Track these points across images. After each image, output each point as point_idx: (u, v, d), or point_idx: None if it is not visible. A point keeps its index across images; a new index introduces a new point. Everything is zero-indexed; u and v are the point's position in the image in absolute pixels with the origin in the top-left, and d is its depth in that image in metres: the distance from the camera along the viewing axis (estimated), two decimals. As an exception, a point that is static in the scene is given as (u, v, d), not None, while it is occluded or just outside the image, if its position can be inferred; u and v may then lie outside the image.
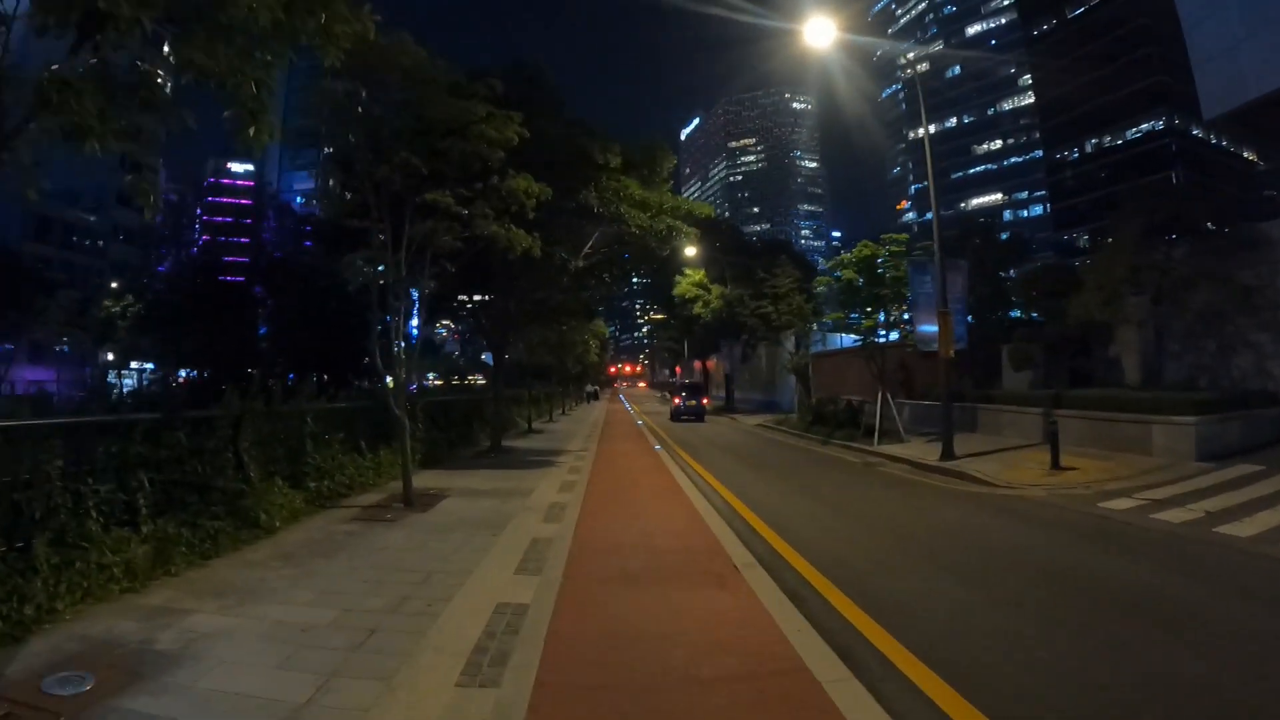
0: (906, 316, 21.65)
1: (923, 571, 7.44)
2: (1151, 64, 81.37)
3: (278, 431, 10.70)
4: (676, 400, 38.69)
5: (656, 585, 6.58)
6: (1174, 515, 9.94)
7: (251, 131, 4.97)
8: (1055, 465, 14.69)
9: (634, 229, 15.32)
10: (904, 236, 21.83)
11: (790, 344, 40.10)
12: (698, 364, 64.63)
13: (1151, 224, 19.88)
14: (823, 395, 30.10)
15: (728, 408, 45.19)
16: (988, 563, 7.80)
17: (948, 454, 16.87)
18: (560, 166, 14.01)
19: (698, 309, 43.77)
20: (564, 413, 41.91)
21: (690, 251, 44.96)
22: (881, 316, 21.57)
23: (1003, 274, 26.22)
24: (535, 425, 28.98)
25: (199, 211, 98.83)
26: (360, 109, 9.23)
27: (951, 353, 17.59)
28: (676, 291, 45.57)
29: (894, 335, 23.11)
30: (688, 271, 45.93)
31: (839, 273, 22.15)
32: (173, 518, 7.61)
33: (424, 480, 13.20)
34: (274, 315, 28.89)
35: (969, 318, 22.02)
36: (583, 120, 15.74)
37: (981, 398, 22.58)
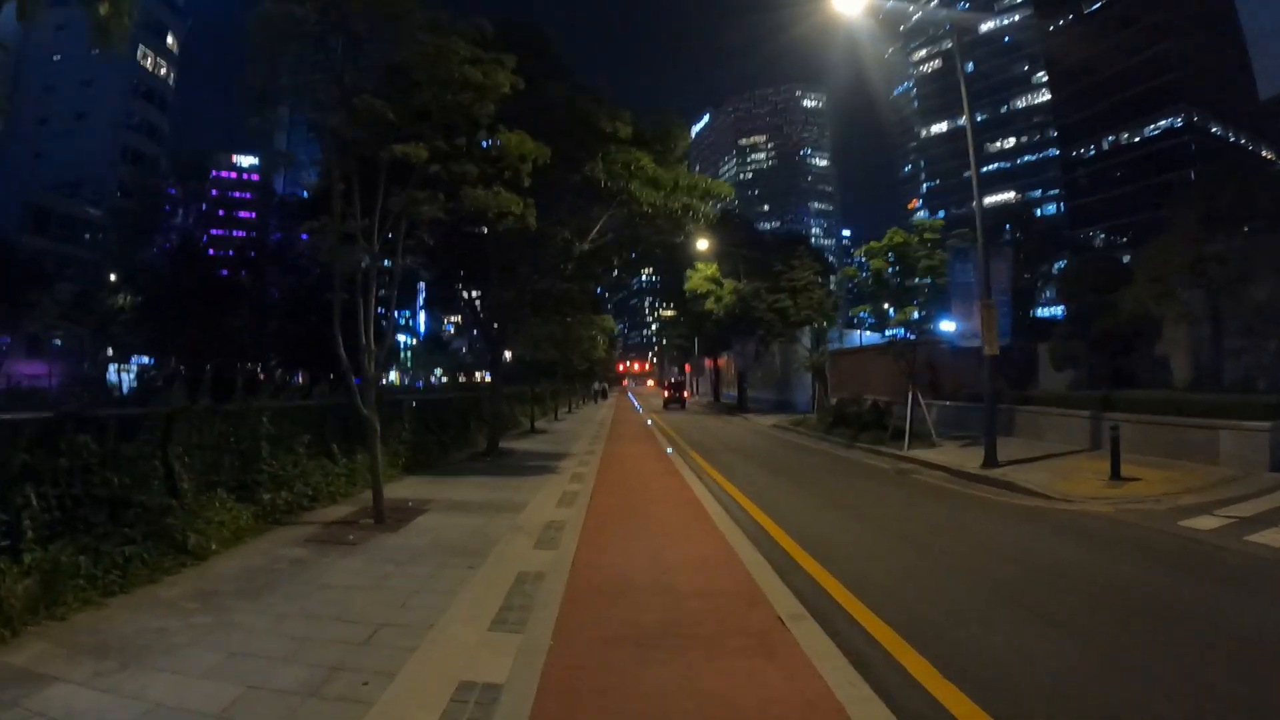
0: (944, 312, 19.96)
1: (1009, 620, 5.77)
2: (1170, 60, 79.84)
3: (225, 434, 9.09)
4: (667, 393, 58.22)
5: (679, 652, 4.87)
6: (1273, 538, 8.26)
7: (103, 10, 3.56)
8: (1115, 475, 13.03)
9: (645, 208, 13.64)
10: (939, 222, 20.10)
11: (806, 341, 38.47)
12: (709, 362, 62.98)
13: (1210, 211, 18.18)
14: (841, 395, 28.43)
15: (740, 407, 43.43)
16: (1082, 604, 6.14)
17: (990, 461, 15.17)
18: (562, 135, 12.33)
19: (709, 304, 42.03)
20: (570, 411, 40.23)
21: (702, 245, 43.45)
22: (917, 314, 19.81)
23: (1036, 268, 24.59)
24: (538, 425, 27.36)
25: (203, 205, 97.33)
26: (312, 42, 7.57)
27: (996, 349, 15.89)
28: (688, 286, 43.81)
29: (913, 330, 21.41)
30: (699, 266, 44.23)
31: (866, 262, 20.43)
32: (71, 543, 6.02)
33: (404, 489, 11.59)
34: (265, 306, 27.26)
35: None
36: (589, 85, 14.07)
37: (1018, 399, 20.88)
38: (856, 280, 21.22)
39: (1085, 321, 20.51)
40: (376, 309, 9.01)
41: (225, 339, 22.39)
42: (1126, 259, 24.54)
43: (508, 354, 29.93)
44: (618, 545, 8.10)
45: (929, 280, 19.26)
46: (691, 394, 71.89)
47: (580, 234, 14.09)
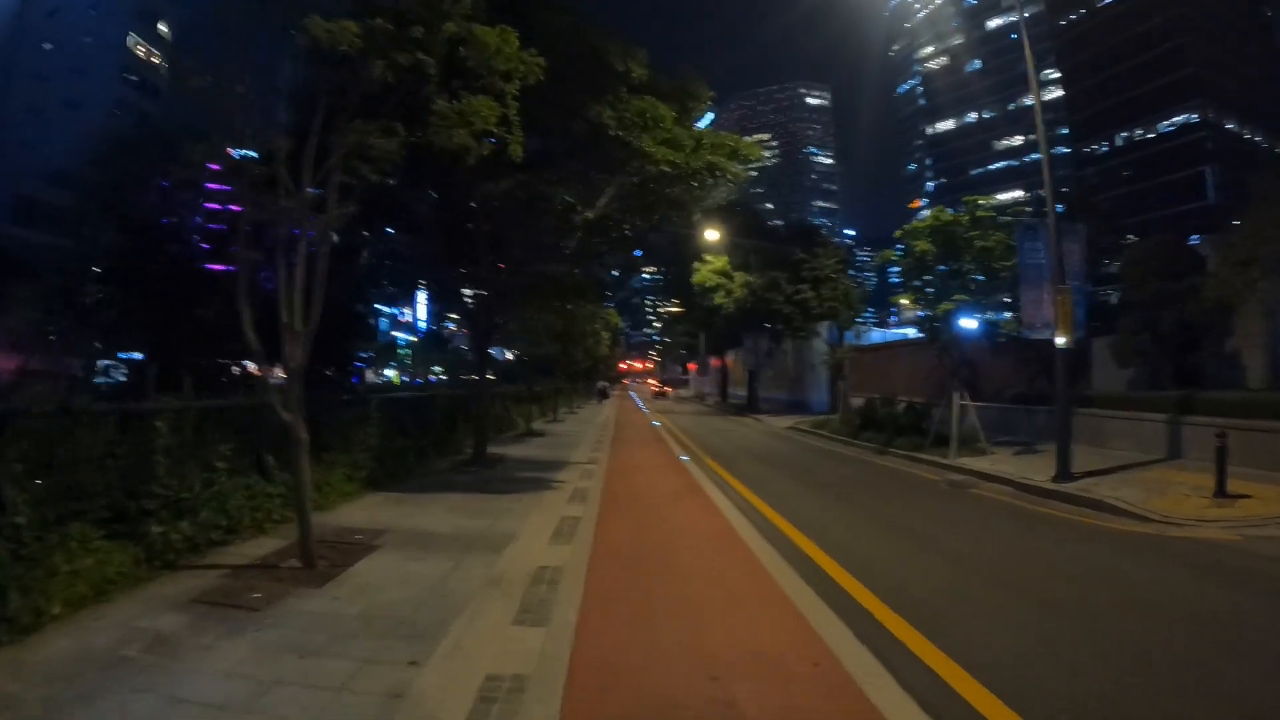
0: (987, 301, 17.56)
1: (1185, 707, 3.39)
2: (1186, 55, 77.88)
3: (104, 446, 6.70)
4: (654, 388, 69.40)
5: None
6: None
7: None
8: (1221, 492, 10.78)
9: (664, 166, 11.20)
10: (992, 198, 17.72)
11: (825, 337, 36.07)
12: (715, 361, 60.59)
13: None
14: (861, 395, 26.06)
15: (750, 407, 40.96)
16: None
17: (1064, 473, 12.88)
18: (566, 76, 9.91)
19: (719, 298, 39.59)
20: (571, 411, 37.70)
21: (712, 236, 41.07)
22: (988, 313, 17.41)
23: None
24: (536, 426, 24.93)
25: (164, 184, 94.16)
26: None
27: (1071, 340, 13.57)
28: (696, 279, 41.38)
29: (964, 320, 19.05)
30: (708, 258, 41.84)
31: (907, 245, 18.02)
32: None
33: (359, 513, 9.21)
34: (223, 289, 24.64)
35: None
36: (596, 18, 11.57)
37: (1074, 399, 18.51)
38: (895, 264, 18.70)
39: (1150, 311, 18.09)
40: (307, 278, 6.58)
41: (197, 330, 19.86)
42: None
43: (509, 354, 27.57)
44: (638, 617, 5.63)
45: (982, 264, 16.83)
46: (674, 389, 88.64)
47: (584, 201, 11.62)
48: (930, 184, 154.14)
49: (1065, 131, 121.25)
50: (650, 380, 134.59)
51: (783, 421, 30.57)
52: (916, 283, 18.17)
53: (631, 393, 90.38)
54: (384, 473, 11.92)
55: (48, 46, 66.02)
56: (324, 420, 11.45)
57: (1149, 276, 18.12)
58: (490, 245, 12.99)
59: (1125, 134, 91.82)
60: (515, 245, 13.17)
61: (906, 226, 18.39)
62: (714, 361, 60.97)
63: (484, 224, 12.39)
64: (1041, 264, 14.53)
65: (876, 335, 46.74)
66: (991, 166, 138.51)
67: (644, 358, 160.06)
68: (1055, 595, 6.41)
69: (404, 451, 13.14)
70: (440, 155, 7.24)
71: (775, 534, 8.97)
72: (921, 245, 17.39)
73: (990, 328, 17.63)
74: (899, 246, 18.60)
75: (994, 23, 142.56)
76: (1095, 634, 5.29)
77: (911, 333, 28.01)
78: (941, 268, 17.74)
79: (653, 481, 13.12)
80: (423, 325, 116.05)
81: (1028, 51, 14.78)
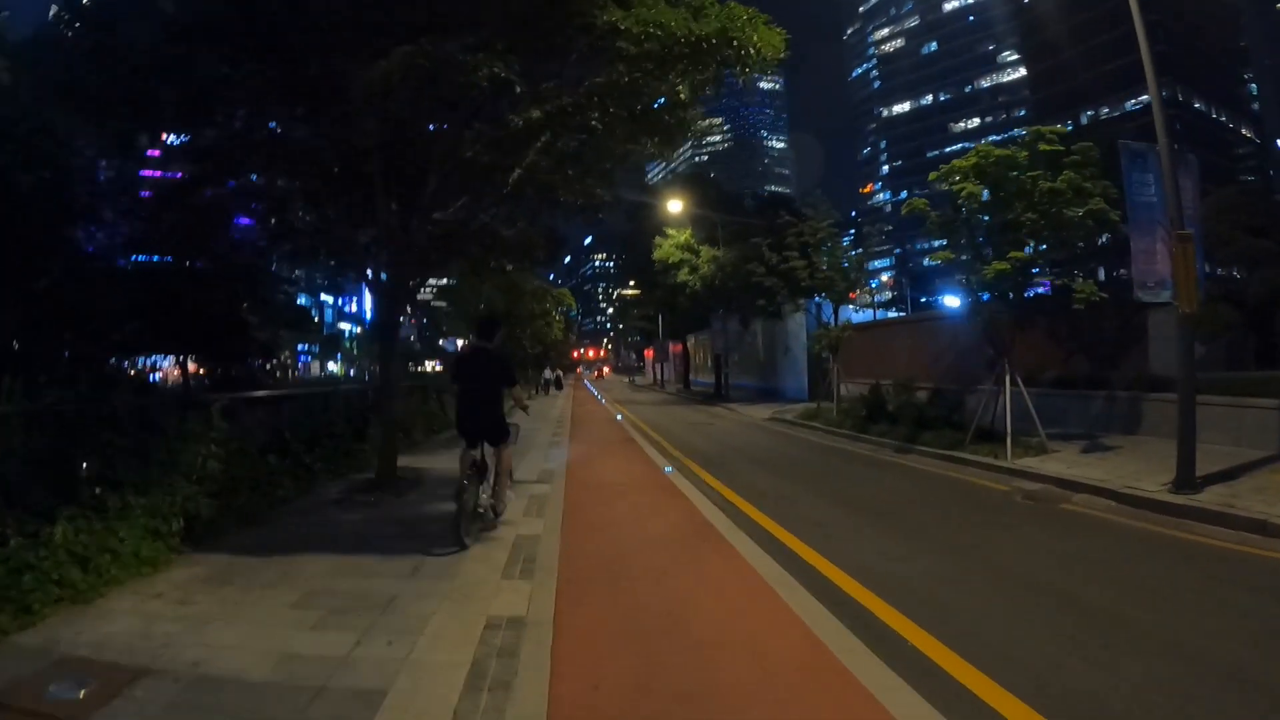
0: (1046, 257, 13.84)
1: None
2: (1154, 33, 76.18)
3: None
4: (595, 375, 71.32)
5: None
6: None
7: None
8: None
9: (652, 30, 7.19)
10: (1062, 129, 13.96)
11: (798, 318, 32.33)
12: (675, 346, 56.64)
13: None
14: (857, 380, 22.36)
15: (719, 395, 37.08)
16: None
17: (1187, 480, 9.23)
18: None
19: (683, 275, 35.61)
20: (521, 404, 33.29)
21: (675, 207, 37.15)
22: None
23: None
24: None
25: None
26: None
27: (1195, 304, 9.93)
28: (657, 255, 37.31)
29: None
30: (670, 232, 37.83)
31: (945, 189, 14.21)
32: None
33: (125, 616, 5.09)
34: (105, 263, 19.81)
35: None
36: None
37: (1141, 383, 15.00)
38: (926, 217, 14.86)
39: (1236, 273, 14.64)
40: None
41: (33, 308, 15.24)
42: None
43: (460, 342, 23.26)
44: None
45: (1046, 212, 13.05)
46: (629, 377, 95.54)
47: (527, 81, 7.40)
48: (885, 168, 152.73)
49: (1023, 114, 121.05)
50: (605, 368, 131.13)
51: (759, 411, 26.76)
52: (961, 240, 14.36)
53: (586, 382, 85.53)
54: (233, 513, 7.73)
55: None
56: (130, 439, 7.31)
57: (1235, 231, 14.63)
58: (386, 175, 8.80)
59: (1090, 112, 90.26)
60: (425, 171, 8.97)
61: (944, 166, 14.51)
62: (674, 347, 56.96)
63: (371, 131, 8.16)
64: (1153, 202, 10.82)
65: (845, 314, 42.85)
66: (949, 149, 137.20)
67: (597, 346, 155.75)
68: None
69: (273, 477, 8.91)
70: None
71: (870, 627, 4.95)
72: (968, 188, 13.54)
73: (1058, 294, 13.96)
74: (929, 194, 14.73)
75: (950, 5, 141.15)
76: None
77: (890, 312, 24.36)
78: (984, 218, 13.98)
79: (636, 516, 9.04)
80: (370, 315, 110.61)
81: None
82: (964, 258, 14.49)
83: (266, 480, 8.71)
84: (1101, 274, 48.47)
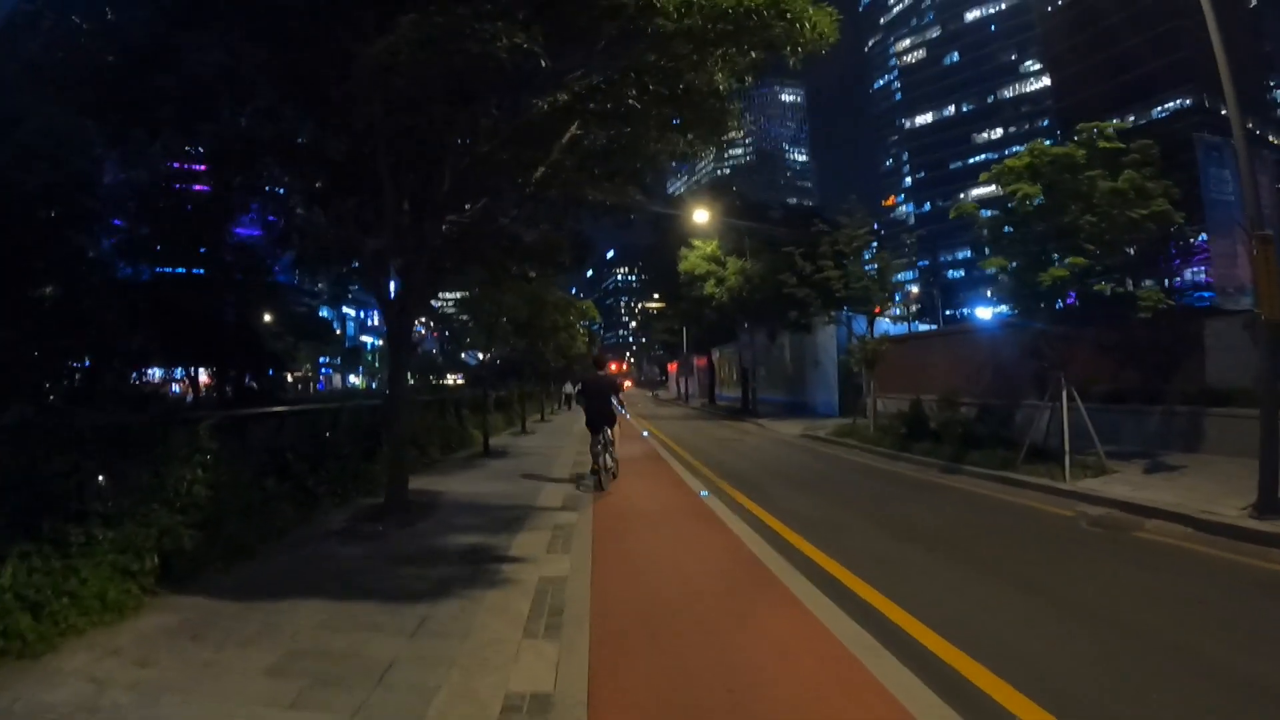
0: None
1: None
2: (1180, 39, 74.72)
3: None
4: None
5: None
6: None
7: None
8: None
9: (695, 3, 6.31)
10: (1122, 124, 12.97)
11: (828, 330, 31.23)
12: (699, 360, 55.66)
13: None
14: (892, 395, 21.28)
15: (746, 410, 36.00)
16: None
17: (1270, 505, 8.27)
18: None
19: (709, 288, 34.63)
20: (542, 419, 32.39)
21: (701, 217, 36.22)
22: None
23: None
24: (498, 442, 19.85)
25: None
26: None
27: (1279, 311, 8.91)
28: (683, 267, 36.42)
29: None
30: (696, 243, 36.94)
31: (999, 191, 13.23)
32: None
33: (75, 680, 4.18)
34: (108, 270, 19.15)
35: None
36: None
37: (1202, 397, 13.92)
38: (975, 221, 13.92)
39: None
40: None
41: (30, 318, 14.50)
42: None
43: (482, 355, 22.52)
44: None
45: (1105, 214, 12.04)
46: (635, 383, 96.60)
47: (552, 57, 6.50)
48: (908, 179, 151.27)
49: (1046, 124, 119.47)
50: (627, 382, 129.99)
51: (789, 427, 25.69)
52: (1014, 246, 13.33)
53: None
54: (220, 545, 6.85)
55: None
56: (99, 461, 6.48)
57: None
58: (396, 171, 7.94)
59: (1115, 120, 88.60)
60: (438, 165, 8.11)
61: (995, 166, 13.50)
62: (699, 361, 55.96)
63: (377, 118, 7.29)
64: (1231, 200, 9.85)
65: (876, 327, 41.61)
66: (971, 160, 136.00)
67: (619, 360, 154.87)
68: None
69: (269, 503, 8.03)
70: None
71: (982, 709, 3.96)
72: (1024, 189, 12.53)
73: (1119, 302, 12.92)
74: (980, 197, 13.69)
75: (972, 14, 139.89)
76: None
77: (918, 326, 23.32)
78: (1040, 227, 12.93)
79: (674, 551, 8.02)
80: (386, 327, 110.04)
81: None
82: (1013, 265, 13.46)
83: (261, 507, 7.82)
84: (1135, 281, 47.07)
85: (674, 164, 11.62)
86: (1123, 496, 10.24)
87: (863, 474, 14.86)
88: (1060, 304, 13.56)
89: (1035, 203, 12.57)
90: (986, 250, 14.04)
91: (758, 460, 17.44)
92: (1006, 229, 13.56)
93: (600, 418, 12.21)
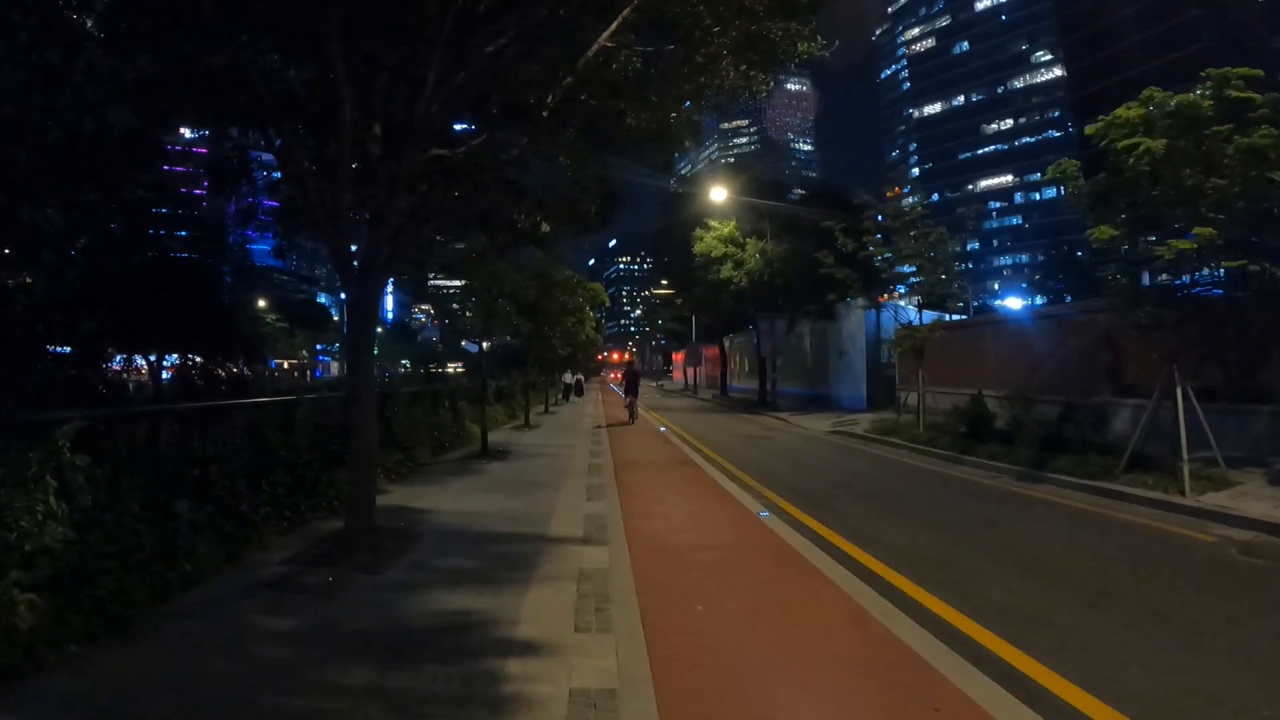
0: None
1: None
2: (1199, 29, 72.35)
3: None
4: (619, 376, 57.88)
5: None
6: None
7: None
8: None
9: None
10: (1254, 72, 10.70)
11: (855, 317, 28.86)
12: (709, 350, 53.21)
13: None
14: (935, 390, 18.95)
15: (764, 403, 33.60)
16: None
17: None
18: None
19: (727, 271, 32.16)
20: (546, 410, 29.98)
21: (719, 195, 33.78)
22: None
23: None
24: (497, 439, 17.50)
25: None
26: None
27: None
28: (699, 249, 33.90)
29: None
30: (713, 224, 34.45)
31: (1103, 145, 10.92)
32: None
33: None
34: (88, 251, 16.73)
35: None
36: None
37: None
38: (1074, 187, 11.65)
39: None
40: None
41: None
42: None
43: (485, 344, 20.19)
44: None
45: (1243, 174, 9.76)
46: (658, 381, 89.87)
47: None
48: (915, 170, 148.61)
49: (1057, 114, 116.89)
50: (614, 373, 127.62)
51: (815, 422, 23.31)
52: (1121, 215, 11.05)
53: (612, 385, 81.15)
54: (82, 618, 4.50)
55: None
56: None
57: None
58: (353, 59, 5.57)
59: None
60: (418, 65, 5.73)
61: (1103, 119, 11.12)
62: (708, 350, 53.52)
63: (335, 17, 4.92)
64: None
65: (905, 315, 38.85)
66: (980, 151, 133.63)
67: (620, 349, 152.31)
68: None
69: (171, 542, 5.63)
70: None
71: None
72: (1146, 143, 10.14)
73: (1262, 278, 10.60)
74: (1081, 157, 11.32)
75: (982, 3, 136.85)
76: None
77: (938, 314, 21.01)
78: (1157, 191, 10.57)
79: (761, 621, 5.37)
80: (390, 315, 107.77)
81: None
82: (1131, 234, 11.10)
83: (162, 547, 5.45)
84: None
85: (713, 110, 9.23)
86: (1265, 516, 8.43)
87: (930, 483, 12.52)
88: (1182, 282, 11.23)
89: (1147, 162, 10.18)
90: (1086, 222, 11.63)
91: (801, 464, 15.06)
92: (1109, 195, 11.25)
93: (633, 389, 26.28)
